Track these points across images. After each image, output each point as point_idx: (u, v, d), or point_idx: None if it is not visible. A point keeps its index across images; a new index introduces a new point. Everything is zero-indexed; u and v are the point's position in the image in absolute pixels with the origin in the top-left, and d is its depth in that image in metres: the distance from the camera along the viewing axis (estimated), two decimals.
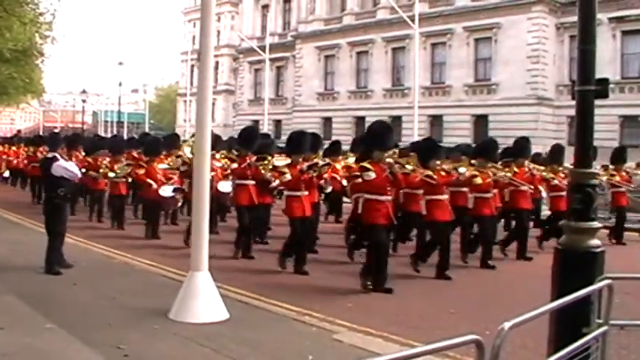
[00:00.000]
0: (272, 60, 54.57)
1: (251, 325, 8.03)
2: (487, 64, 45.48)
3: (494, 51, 44.66)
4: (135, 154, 19.44)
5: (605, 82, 5.95)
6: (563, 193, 13.98)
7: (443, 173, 11.94)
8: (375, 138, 10.75)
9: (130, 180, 17.28)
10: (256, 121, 58.69)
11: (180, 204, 16.25)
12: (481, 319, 8.47)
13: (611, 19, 39.15)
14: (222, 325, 7.97)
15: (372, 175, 10.21)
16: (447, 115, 46.11)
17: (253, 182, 12.98)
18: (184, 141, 17.70)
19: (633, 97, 39.00)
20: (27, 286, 9.61)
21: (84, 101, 67.68)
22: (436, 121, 46.86)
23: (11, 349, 6.67)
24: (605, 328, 5.07)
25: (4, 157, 28.06)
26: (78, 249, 12.73)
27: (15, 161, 27.03)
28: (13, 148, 28.64)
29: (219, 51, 73.65)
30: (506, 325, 3.64)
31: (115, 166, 17.10)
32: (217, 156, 14.93)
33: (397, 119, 47.85)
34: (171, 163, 16.34)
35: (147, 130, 68.46)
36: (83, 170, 17.87)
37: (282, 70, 62.82)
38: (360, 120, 51.80)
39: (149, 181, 15.60)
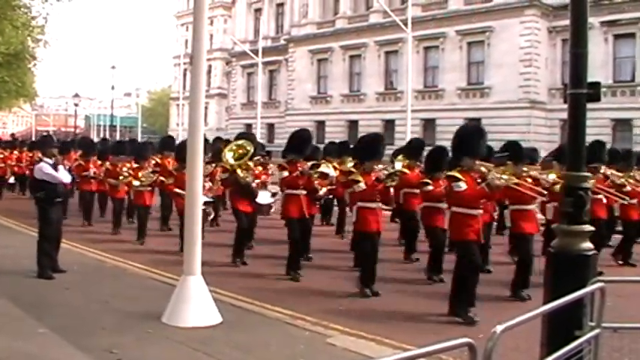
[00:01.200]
0: (265, 64, 54.56)
1: (244, 329, 8.02)
2: (480, 67, 45.60)
3: (487, 54, 44.79)
4: (158, 159, 18.03)
5: (597, 85, 5.98)
6: (634, 201, 13.24)
7: (529, 180, 10.59)
8: (464, 143, 9.31)
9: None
10: (249, 125, 58.91)
11: (211, 217, 15.00)
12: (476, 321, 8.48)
13: (602, 23, 39.31)
14: (215, 329, 7.95)
15: (463, 186, 8.94)
16: (440, 118, 46.14)
17: (304, 192, 11.78)
18: (226, 141, 15.25)
19: (625, 101, 39.21)
20: (19, 290, 9.57)
21: (76, 105, 67.39)
22: (429, 124, 46.91)
23: (3, 354, 6.64)
24: (597, 330, 5.08)
25: (8, 162, 25.74)
26: (71, 254, 12.67)
27: (18, 166, 25.59)
28: (16, 152, 26.76)
29: (211, 55, 73.75)
30: (499, 328, 3.64)
31: (140, 174, 15.56)
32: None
33: (390, 123, 47.98)
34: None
35: (139, 133, 68.48)
36: (99, 177, 17.87)
37: (275, 73, 62.87)
38: (353, 124, 51.91)
39: (177, 190, 13.44)
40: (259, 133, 45.23)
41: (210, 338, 7.52)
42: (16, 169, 25.79)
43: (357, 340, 7.64)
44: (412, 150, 13.95)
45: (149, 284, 10.60)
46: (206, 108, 68.48)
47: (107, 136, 57.35)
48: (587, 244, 5.78)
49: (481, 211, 9.36)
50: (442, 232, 10.95)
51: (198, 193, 8.57)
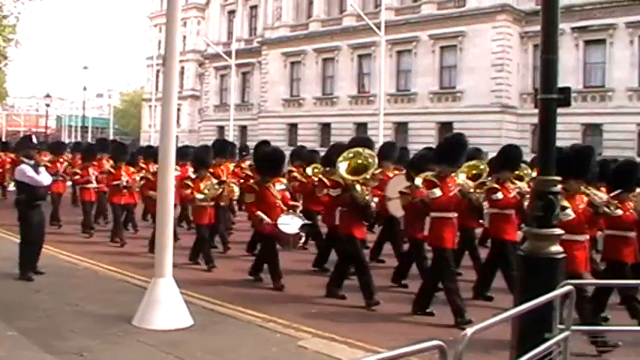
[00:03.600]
0: (238, 66, 54.40)
1: (215, 331, 8.00)
2: (452, 71, 45.81)
3: (460, 59, 45.01)
4: (222, 169, 15.22)
5: (567, 90, 6.04)
6: None
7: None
8: None
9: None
10: (222, 127, 58.76)
11: (302, 241, 11.88)
12: (445, 325, 8.54)
13: (573, 29, 39.75)
14: (186, 331, 7.93)
15: None
16: (412, 122, 46.33)
17: (456, 215, 9.32)
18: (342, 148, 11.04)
19: (595, 106, 39.67)
20: None
21: (48, 105, 66.83)
22: (401, 128, 47.06)
23: None
24: (566, 333, 5.13)
25: (6, 166, 22.83)
26: (43, 256, 12.51)
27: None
28: (11, 155, 23.17)
29: (184, 56, 73.47)
30: (469, 330, 3.67)
31: (201, 185, 12.70)
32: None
33: (362, 126, 48.03)
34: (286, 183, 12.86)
35: (111, 135, 68.01)
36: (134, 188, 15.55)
37: (248, 75, 62.67)
38: (326, 126, 51.90)
39: (260, 214, 11.06)
40: (232, 136, 45.14)
41: (182, 341, 7.48)
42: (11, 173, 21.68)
43: (329, 343, 7.65)
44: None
45: (121, 287, 10.53)
46: (179, 110, 68.53)
47: (80, 138, 56.93)
48: (557, 248, 5.84)
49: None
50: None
51: (170, 196, 8.52)
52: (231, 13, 65.03)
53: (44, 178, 10.90)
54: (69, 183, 19.68)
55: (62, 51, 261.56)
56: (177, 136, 9.80)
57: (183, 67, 75.60)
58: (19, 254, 10.74)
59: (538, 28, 6.23)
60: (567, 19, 36.57)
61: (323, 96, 53.84)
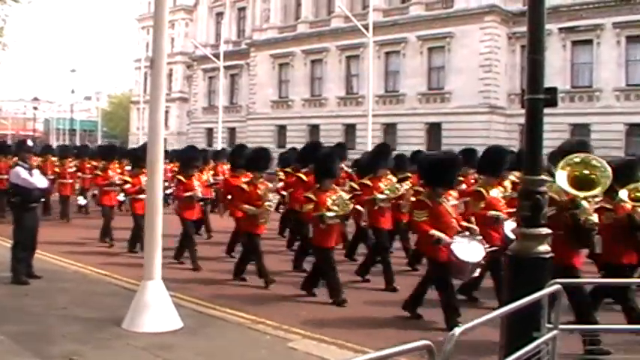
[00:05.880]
0: (226, 68, 54.30)
1: (205, 334, 8.00)
2: (440, 72, 45.85)
3: (448, 60, 45.07)
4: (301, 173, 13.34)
5: (553, 91, 6.07)
6: None
7: None
8: None
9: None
10: (210, 129, 58.64)
11: (478, 272, 9.17)
12: (434, 325, 8.55)
13: (561, 30, 39.86)
14: (175, 334, 7.92)
15: None
16: (401, 123, 46.37)
17: None
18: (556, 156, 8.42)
19: (583, 106, 39.80)
20: None
21: (35, 108, 66.76)
22: (390, 129, 47.07)
23: None
24: (555, 332, 5.16)
25: None
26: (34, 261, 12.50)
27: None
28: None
29: (172, 58, 73.22)
30: (457, 330, 3.69)
31: (329, 200, 10.03)
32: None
33: (351, 127, 48.07)
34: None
35: (100, 137, 67.85)
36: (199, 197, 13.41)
37: (237, 78, 62.57)
38: (315, 128, 51.86)
39: (436, 234, 8.74)
40: (220, 138, 45.07)
41: (171, 344, 7.48)
42: None
43: (319, 344, 7.67)
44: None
45: (110, 290, 10.51)
46: (167, 112, 68.30)
47: (67, 141, 56.69)
48: (545, 247, 5.87)
49: None
50: None
51: (158, 199, 8.50)
52: (219, 15, 64.94)
53: (38, 181, 10.91)
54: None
55: (50, 54, 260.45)
56: (165, 139, 9.58)
57: (171, 70, 75.42)
58: (12, 258, 10.72)
59: (526, 28, 6.26)
60: (554, 19, 36.69)
61: (311, 97, 53.80)
